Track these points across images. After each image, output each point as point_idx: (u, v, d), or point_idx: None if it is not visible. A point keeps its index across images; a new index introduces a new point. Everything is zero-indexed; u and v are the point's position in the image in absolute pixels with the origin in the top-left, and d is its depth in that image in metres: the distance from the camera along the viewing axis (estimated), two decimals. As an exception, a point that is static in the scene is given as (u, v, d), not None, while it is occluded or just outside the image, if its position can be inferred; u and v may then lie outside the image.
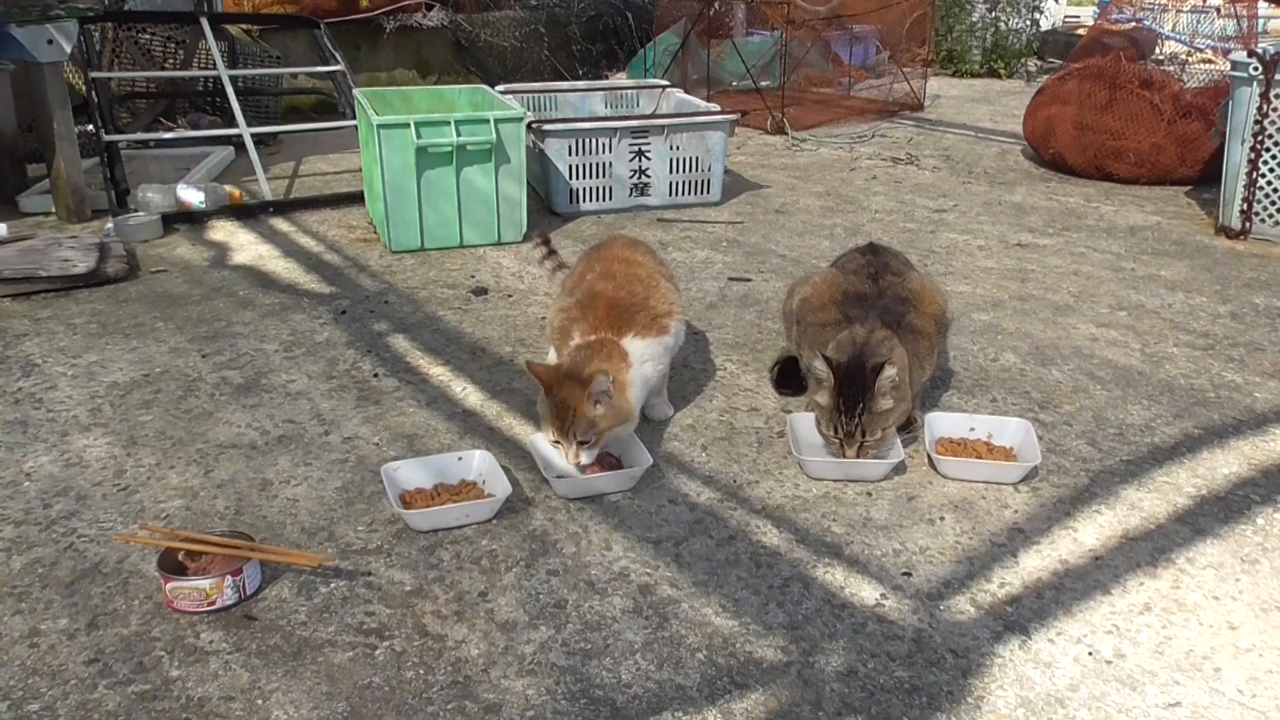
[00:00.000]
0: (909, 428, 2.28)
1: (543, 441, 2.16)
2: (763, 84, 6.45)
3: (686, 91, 4.93)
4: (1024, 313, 3.07)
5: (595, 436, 2.01)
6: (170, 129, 5.08)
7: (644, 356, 2.17)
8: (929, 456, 2.17)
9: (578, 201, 4.07)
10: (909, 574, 1.82)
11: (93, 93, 4.07)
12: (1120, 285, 3.33)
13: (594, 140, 3.98)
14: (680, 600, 1.74)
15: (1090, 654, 1.62)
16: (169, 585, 1.69)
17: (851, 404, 2.06)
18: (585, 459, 2.02)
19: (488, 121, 3.49)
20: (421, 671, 1.57)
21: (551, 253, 2.88)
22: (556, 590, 1.76)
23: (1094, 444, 2.28)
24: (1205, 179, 4.52)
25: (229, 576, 1.70)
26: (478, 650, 1.62)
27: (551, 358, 2.55)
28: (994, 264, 3.54)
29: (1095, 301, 3.17)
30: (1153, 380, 2.61)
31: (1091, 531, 1.95)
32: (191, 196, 3.96)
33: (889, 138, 5.80)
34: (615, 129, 3.99)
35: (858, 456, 2.10)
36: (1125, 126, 4.59)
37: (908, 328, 2.24)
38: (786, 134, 5.74)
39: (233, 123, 4.33)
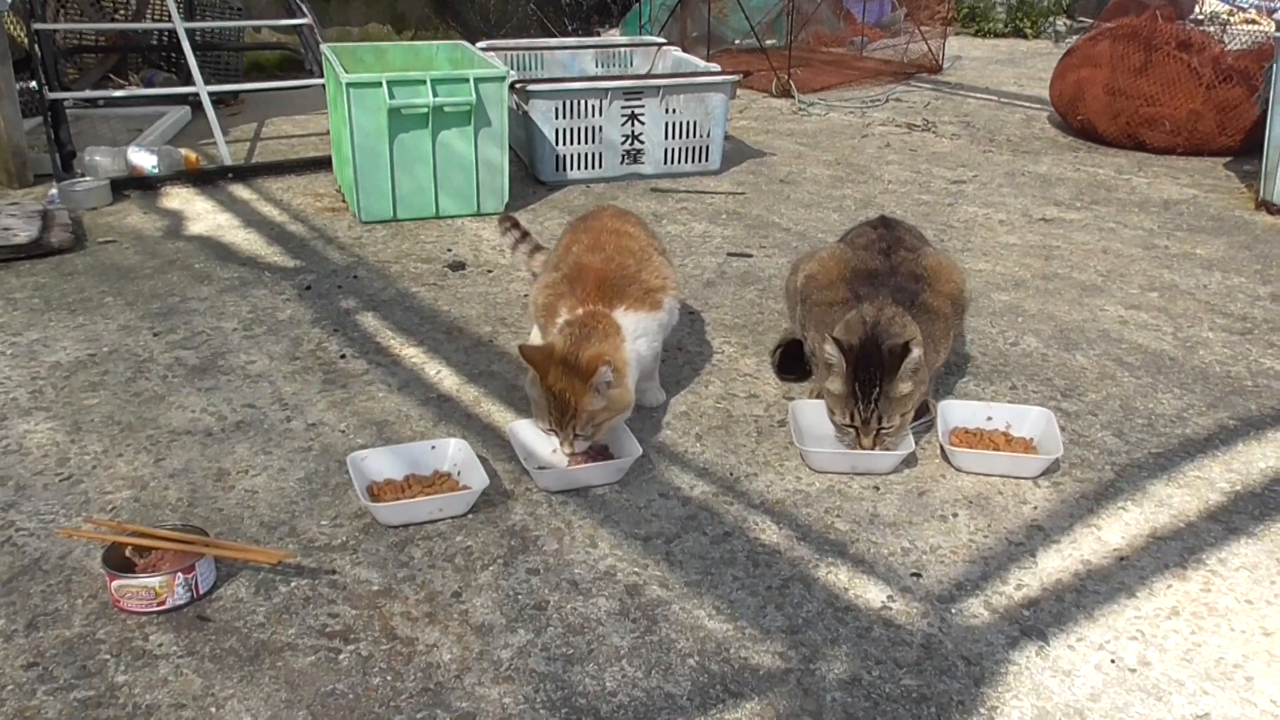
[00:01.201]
0: (921, 416, 2.28)
1: (523, 429, 2.16)
2: (768, 42, 6.42)
3: (685, 50, 4.91)
4: (1048, 293, 3.07)
5: (594, 430, 2.02)
6: (121, 86, 5.05)
7: (637, 332, 2.16)
8: (942, 448, 2.17)
9: (565, 169, 4.06)
10: (918, 575, 1.82)
11: (36, 46, 4.03)
12: (1152, 264, 3.33)
13: (583, 102, 3.96)
14: (671, 602, 1.74)
15: (1113, 661, 1.62)
16: (115, 583, 1.68)
17: (868, 388, 2.05)
18: (579, 448, 2.04)
19: (467, 81, 3.47)
20: (389, 678, 1.57)
21: (524, 235, 2.87)
22: (537, 590, 1.76)
23: (1121, 435, 2.28)
24: (1246, 149, 4.52)
25: (181, 574, 1.69)
26: (450, 655, 1.62)
27: (534, 338, 2.54)
28: (1016, 240, 3.54)
29: (1125, 281, 3.17)
30: (1185, 367, 2.61)
31: (1116, 530, 1.96)
32: (144, 160, 3.93)
33: (904, 102, 5.78)
34: (606, 90, 3.97)
35: (874, 446, 2.09)
36: (1161, 91, 4.58)
37: (921, 307, 2.23)
38: (793, 97, 5.72)
39: (189, 80, 4.29)
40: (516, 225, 2.89)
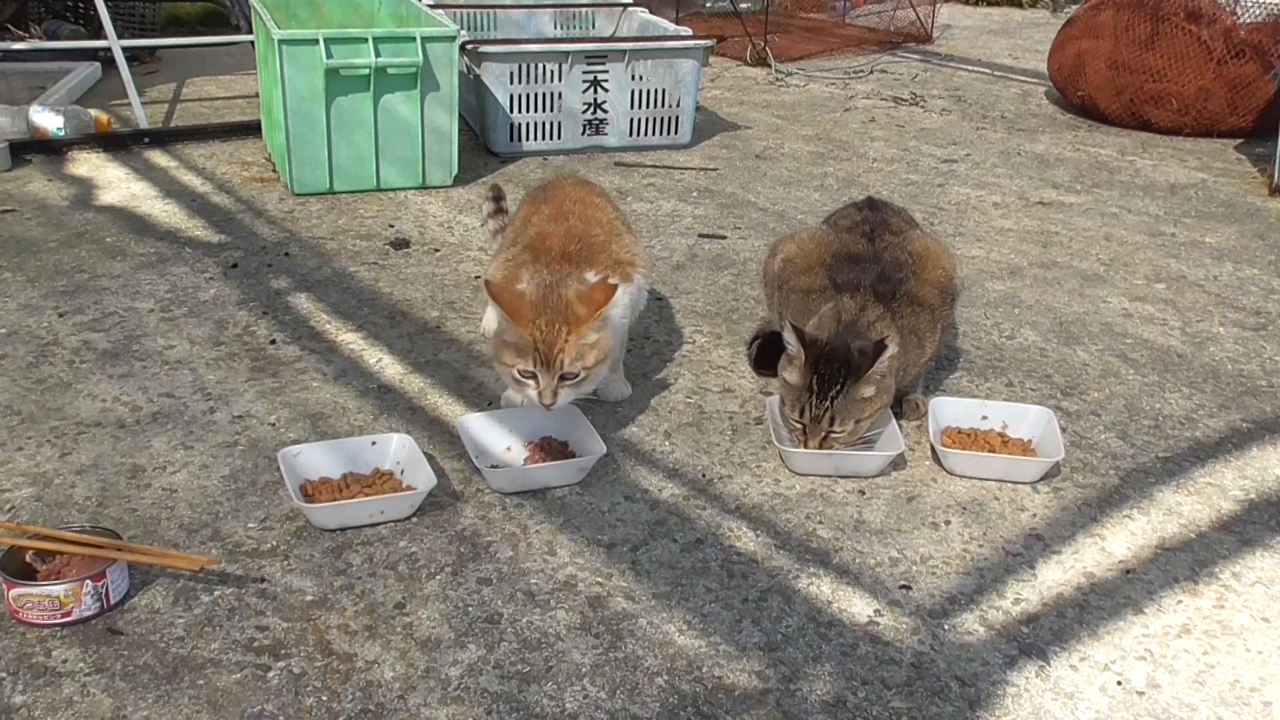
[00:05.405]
0: (909, 414, 2.29)
1: (474, 423, 2.14)
2: (742, 6, 6.43)
3: (652, 12, 4.90)
4: (1046, 282, 3.10)
5: (585, 372, 1.98)
6: (21, 38, 4.95)
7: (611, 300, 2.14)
8: (933, 449, 2.18)
9: (520, 139, 4.04)
10: (908, 587, 1.83)
11: (-76, -9, 3.95)
12: (1158, 252, 3.36)
13: (541, 66, 3.94)
14: (637, 615, 1.73)
15: (1119, 683, 1.64)
16: (13, 592, 1.66)
17: (827, 385, 2.05)
18: (563, 400, 1.98)
19: (414, 40, 3.44)
20: (324, 698, 1.55)
21: (500, 210, 2.84)
22: (489, 602, 1.75)
23: (1125, 437, 2.31)
24: (1259, 130, 4.59)
25: (89, 581, 1.67)
26: (393, 673, 1.60)
27: (488, 321, 2.53)
28: (1012, 224, 3.57)
29: (1129, 271, 3.21)
30: (1195, 364, 2.64)
31: (1122, 540, 1.97)
32: (48, 121, 3.87)
33: (890, 74, 5.82)
34: (567, 53, 3.96)
35: (820, 448, 2.10)
36: (1168, 66, 4.64)
37: (906, 297, 2.24)
38: (770, 66, 5.73)
39: (99, 33, 4.23)
40: (501, 198, 2.82)
